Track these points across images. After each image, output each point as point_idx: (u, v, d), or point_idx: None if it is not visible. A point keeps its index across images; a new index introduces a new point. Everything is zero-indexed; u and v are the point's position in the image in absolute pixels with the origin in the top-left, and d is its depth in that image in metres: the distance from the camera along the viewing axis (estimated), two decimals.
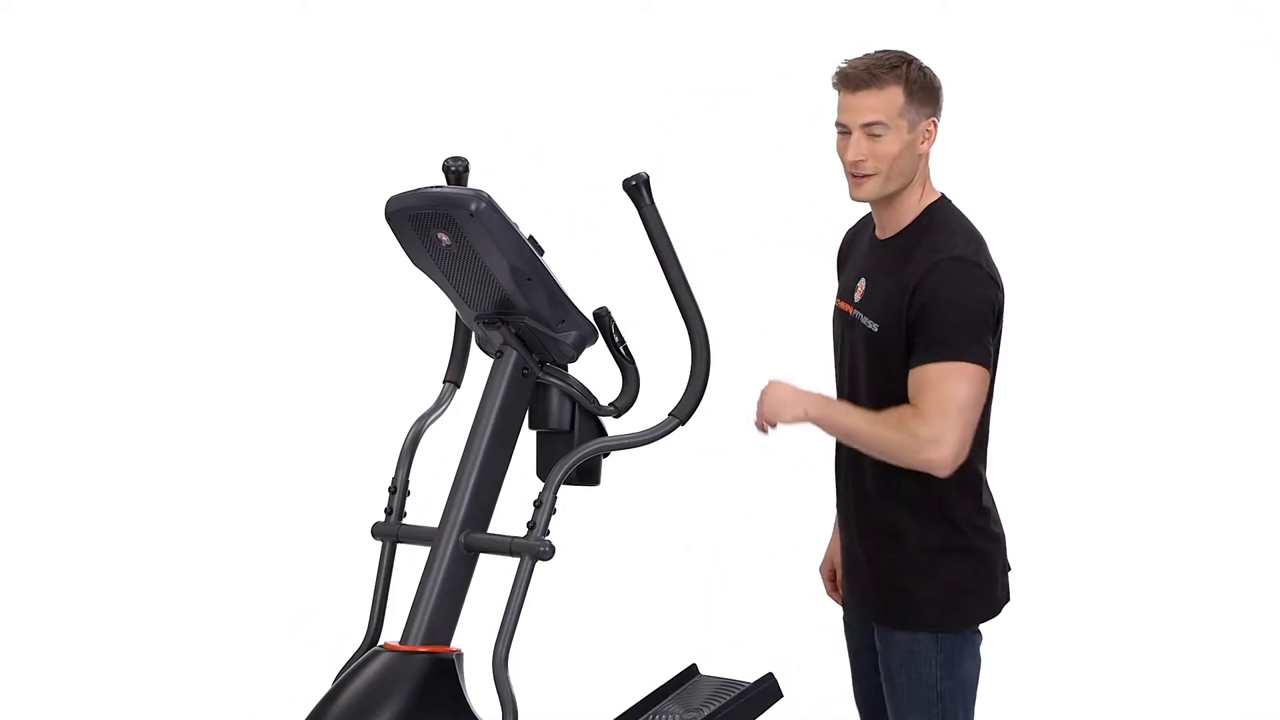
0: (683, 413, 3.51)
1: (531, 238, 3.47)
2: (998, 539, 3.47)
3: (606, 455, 3.53)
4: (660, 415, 3.52)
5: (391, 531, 3.59)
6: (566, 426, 3.53)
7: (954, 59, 6.22)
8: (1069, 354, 6.23)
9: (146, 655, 5.60)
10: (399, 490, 3.61)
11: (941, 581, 3.41)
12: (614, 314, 3.56)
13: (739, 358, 4.16)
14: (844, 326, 3.51)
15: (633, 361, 3.58)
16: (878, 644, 3.51)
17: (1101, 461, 6.18)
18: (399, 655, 3.37)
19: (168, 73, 6.37)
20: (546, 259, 3.48)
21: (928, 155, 3.39)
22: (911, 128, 3.33)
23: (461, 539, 3.44)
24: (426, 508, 3.60)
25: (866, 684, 3.65)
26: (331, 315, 6.23)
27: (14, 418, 6.21)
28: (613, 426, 3.58)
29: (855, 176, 3.35)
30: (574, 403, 3.53)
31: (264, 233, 6.32)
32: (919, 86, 3.32)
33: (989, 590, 3.46)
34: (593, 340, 3.54)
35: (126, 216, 6.33)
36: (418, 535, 3.55)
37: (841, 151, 3.37)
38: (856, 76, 3.31)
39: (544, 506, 3.40)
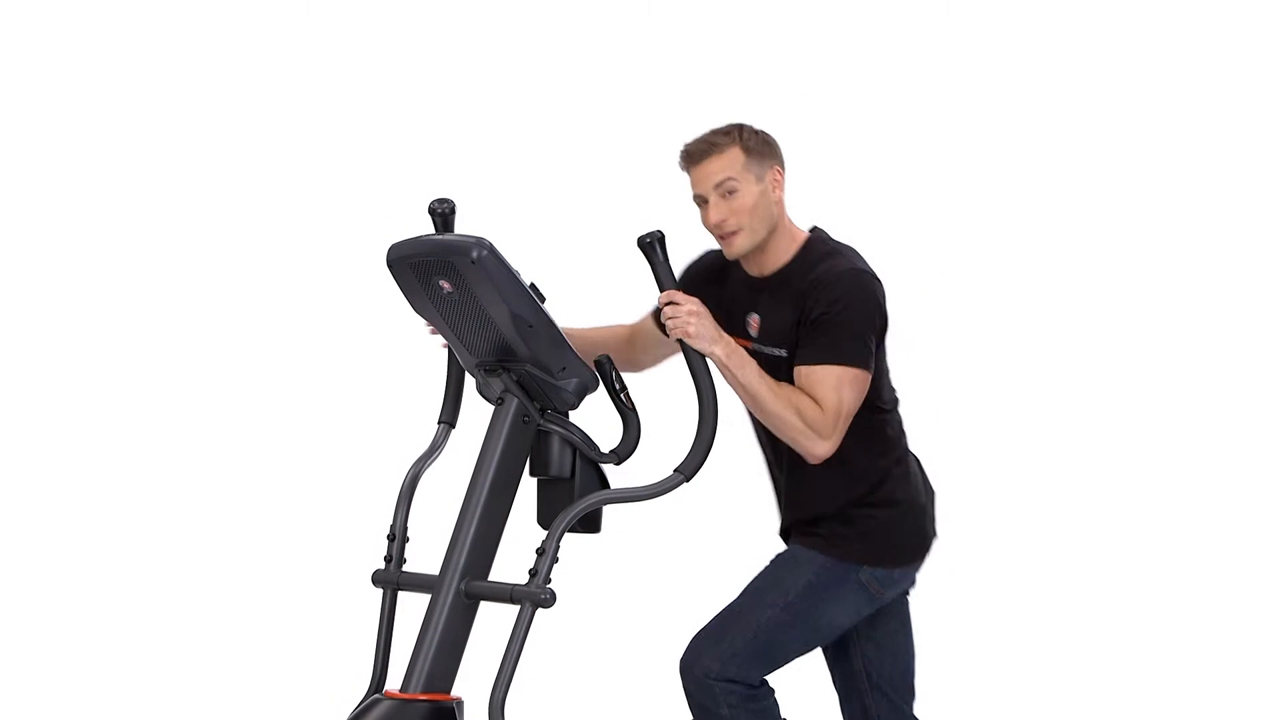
0: (688, 470, 3.52)
1: (533, 285, 3.49)
2: (900, 503, 3.74)
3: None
4: (659, 461, 3.53)
5: (392, 579, 3.60)
6: (567, 474, 3.54)
7: (955, 59, 6.33)
8: (1068, 354, 6.26)
9: (148, 699, 5.57)
10: (398, 537, 3.62)
11: (861, 529, 3.69)
12: (615, 362, 3.57)
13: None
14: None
15: (634, 409, 3.59)
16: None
17: (1100, 461, 6.20)
18: (399, 704, 3.38)
19: (168, 73, 6.39)
20: (548, 306, 3.50)
21: (783, 201, 3.65)
22: (759, 180, 3.59)
23: (462, 587, 3.45)
24: (426, 549, 3.61)
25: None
26: (327, 355, 6.23)
27: (13, 419, 6.19)
28: (613, 474, 3.59)
29: (724, 238, 3.60)
30: (575, 450, 3.54)
31: (260, 258, 6.33)
32: (755, 143, 3.61)
33: (895, 539, 3.74)
34: (594, 388, 3.55)
35: (126, 218, 6.34)
36: (418, 582, 3.56)
37: (705, 221, 3.61)
38: (698, 150, 3.60)
39: (547, 554, 3.41)
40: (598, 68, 6.37)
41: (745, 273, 3.71)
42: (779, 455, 3.71)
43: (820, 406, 3.53)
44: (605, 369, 3.55)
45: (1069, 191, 6.33)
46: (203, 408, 6.22)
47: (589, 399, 3.56)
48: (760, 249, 3.63)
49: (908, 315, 6.03)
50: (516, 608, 3.40)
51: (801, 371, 3.56)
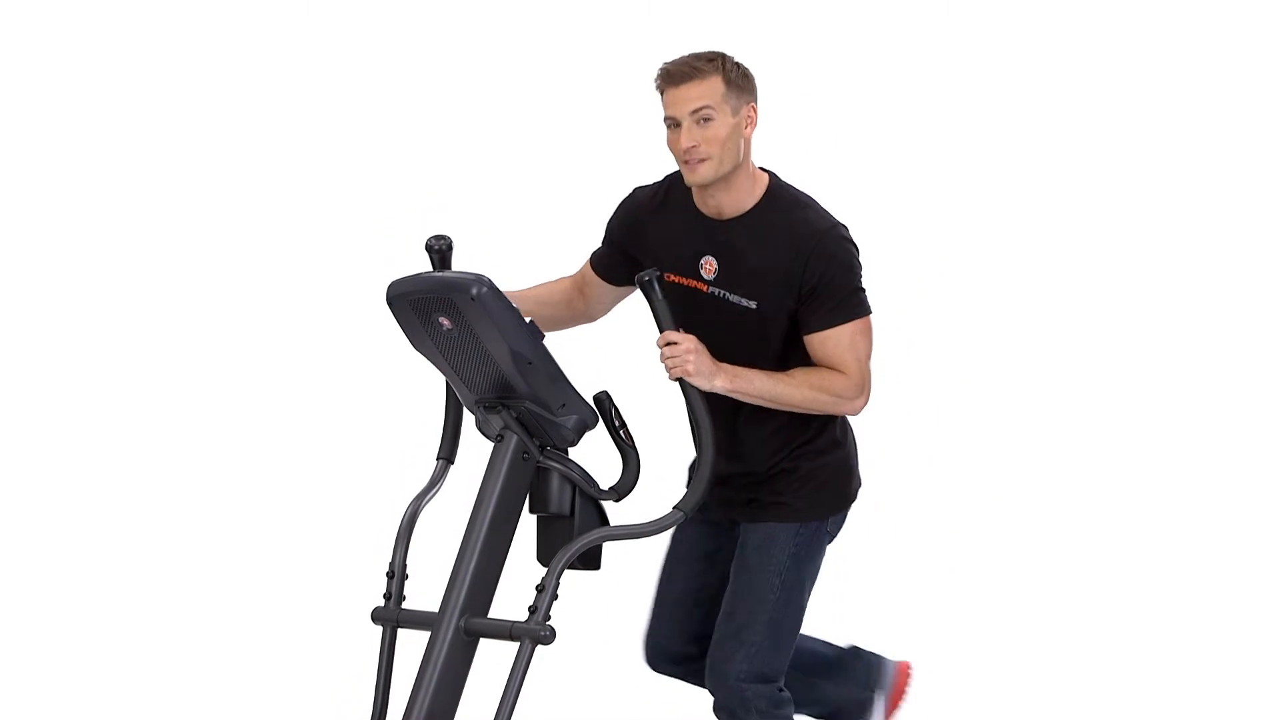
0: (687, 506, 3.53)
1: (532, 322, 3.50)
2: (843, 444, 3.79)
3: None
4: (660, 498, 3.54)
5: (391, 616, 3.59)
6: (567, 511, 3.54)
7: (955, 59, 6.34)
8: (1068, 353, 6.26)
9: None
10: (397, 574, 3.62)
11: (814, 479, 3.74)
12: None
13: None
14: (697, 302, 3.64)
15: (633, 446, 3.59)
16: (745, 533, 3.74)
17: (1100, 460, 6.23)
18: None
19: (168, 73, 6.42)
20: (547, 342, 3.50)
21: (750, 140, 3.62)
22: (734, 113, 3.56)
23: (462, 624, 3.44)
24: (426, 586, 3.60)
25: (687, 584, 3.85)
26: (326, 391, 6.24)
27: (12, 421, 6.19)
28: (613, 510, 3.58)
29: (689, 163, 3.56)
30: (574, 487, 3.54)
31: (260, 278, 6.36)
32: (736, 75, 3.58)
33: (845, 481, 3.81)
34: (593, 424, 3.55)
35: (125, 219, 6.36)
36: (418, 620, 3.56)
37: (673, 144, 3.58)
38: (679, 72, 3.56)
39: (546, 592, 3.41)
40: (598, 68, 6.39)
41: (699, 212, 3.67)
42: (719, 406, 3.65)
43: (842, 370, 3.59)
44: (605, 406, 3.56)
45: (1068, 191, 6.36)
46: (204, 441, 6.22)
47: (588, 435, 3.56)
48: (722, 187, 3.60)
49: (907, 314, 6.09)
50: (516, 645, 3.39)
51: (815, 339, 3.59)
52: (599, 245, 3.86)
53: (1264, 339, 6.29)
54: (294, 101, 6.47)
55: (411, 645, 3.52)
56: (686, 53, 3.60)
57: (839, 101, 6.36)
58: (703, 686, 3.80)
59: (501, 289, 3.46)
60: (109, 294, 6.36)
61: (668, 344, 3.53)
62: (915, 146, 6.39)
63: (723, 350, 3.59)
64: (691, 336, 3.53)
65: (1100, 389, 6.31)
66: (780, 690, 3.72)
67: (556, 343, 3.52)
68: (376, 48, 6.49)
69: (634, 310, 3.73)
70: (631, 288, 3.82)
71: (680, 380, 3.54)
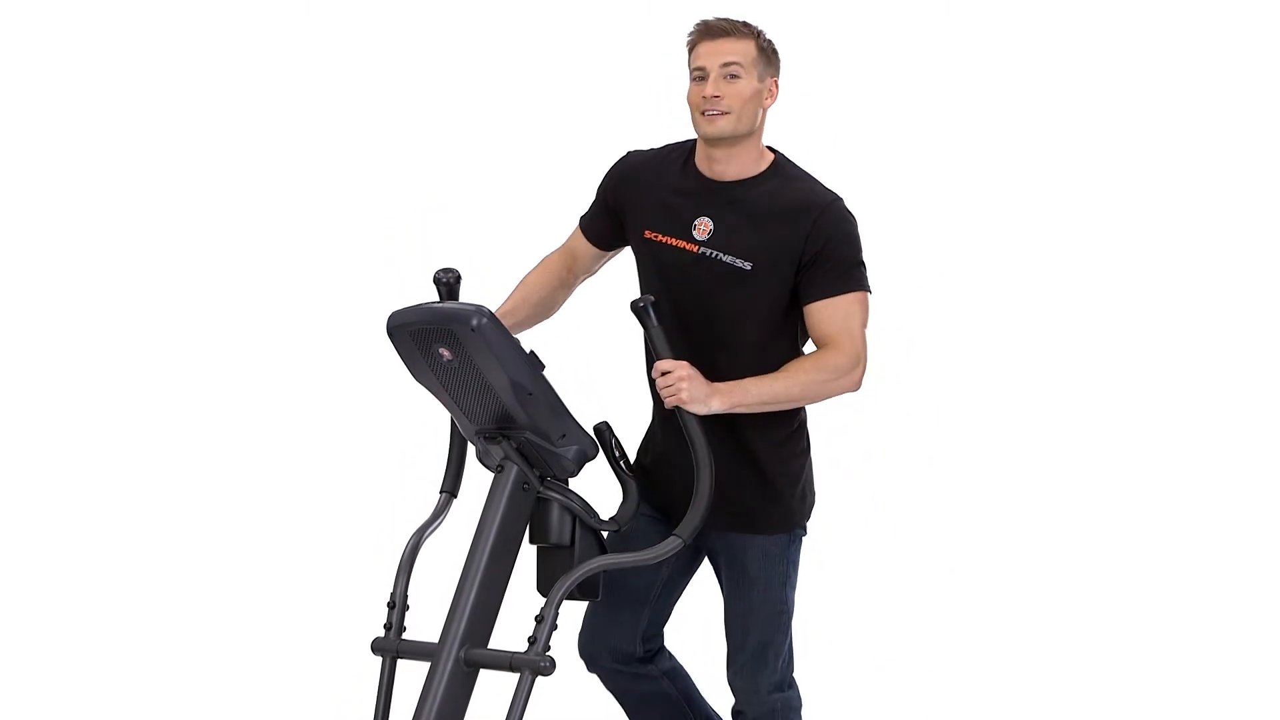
0: (685, 532, 3.53)
1: (532, 352, 3.49)
2: (808, 449, 3.81)
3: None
4: None
5: (391, 647, 3.59)
6: (567, 541, 3.55)
7: (955, 59, 6.33)
8: (1068, 352, 6.27)
9: None
10: (398, 605, 3.62)
11: (790, 487, 3.75)
12: (614, 429, 3.58)
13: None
14: (684, 263, 3.66)
15: (633, 476, 3.60)
16: (725, 547, 3.75)
17: (1100, 459, 6.23)
18: None
19: (168, 72, 6.40)
20: (547, 373, 3.50)
21: (767, 113, 3.70)
22: (760, 79, 3.64)
23: (461, 654, 3.44)
24: (426, 617, 3.60)
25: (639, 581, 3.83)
26: (331, 422, 6.23)
27: (12, 423, 6.19)
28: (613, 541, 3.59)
29: (708, 114, 3.62)
30: (574, 517, 3.55)
31: (261, 298, 6.34)
32: (768, 46, 3.68)
33: (811, 487, 3.83)
34: (593, 455, 3.56)
35: (125, 221, 6.34)
36: (418, 651, 3.56)
37: (695, 95, 3.65)
38: (718, 26, 3.66)
39: (545, 622, 3.41)
40: (598, 68, 6.38)
41: (699, 174, 3.71)
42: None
43: (835, 345, 3.59)
44: (605, 437, 3.56)
45: (1068, 191, 6.35)
46: (207, 472, 6.21)
47: (588, 466, 3.56)
48: (730, 149, 3.65)
49: (907, 313, 6.10)
50: (516, 676, 3.40)
51: (814, 308, 3.61)
52: (587, 210, 3.89)
53: (1263, 336, 6.28)
54: (294, 101, 6.46)
55: (412, 676, 3.52)
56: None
57: (839, 101, 6.34)
58: (624, 690, 3.89)
59: (495, 306, 3.47)
60: (105, 295, 6.34)
61: (662, 374, 3.53)
62: (915, 146, 6.38)
63: (708, 313, 3.63)
64: (684, 363, 3.53)
65: (1099, 388, 6.31)
66: (798, 695, 3.85)
67: (556, 374, 3.52)
68: (376, 48, 6.47)
69: (635, 342, 3.72)
70: (619, 249, 3.86)
71: (678, 409, 3.54)
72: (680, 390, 3.50)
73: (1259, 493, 6.17)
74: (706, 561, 3.88)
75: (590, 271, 3.92)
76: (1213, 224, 6.33)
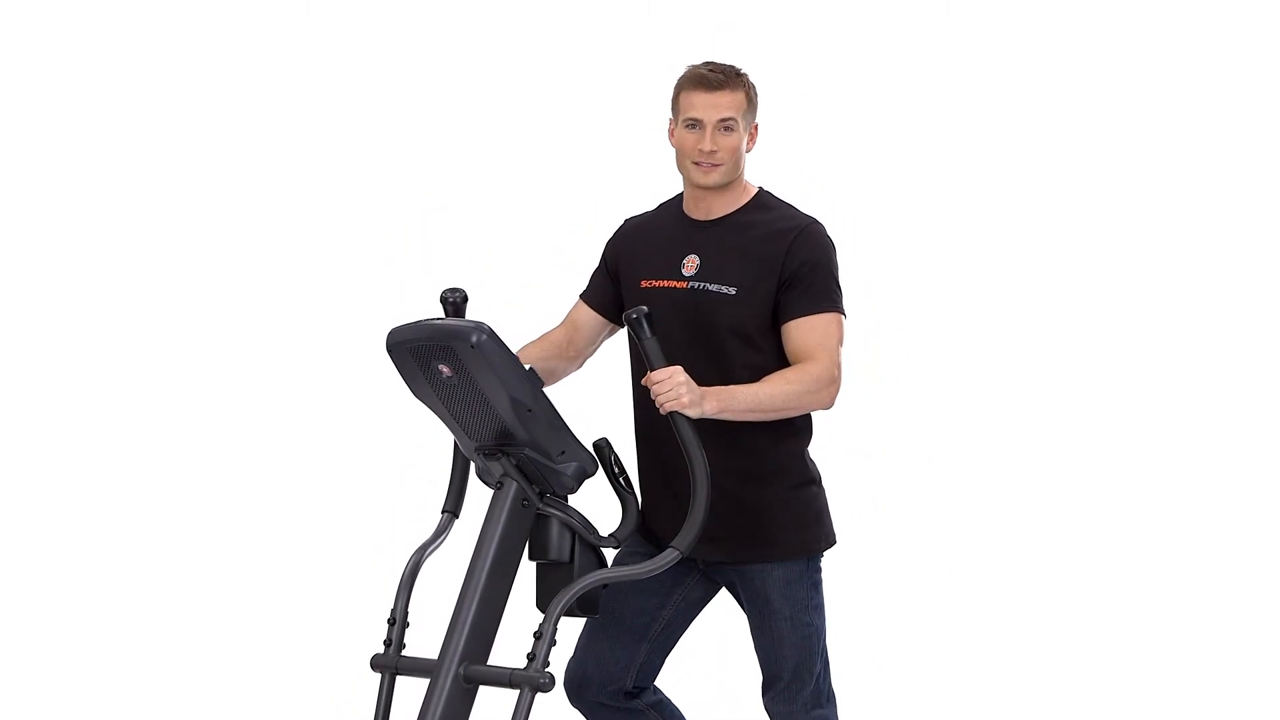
0: (683, 545, 3.53)
1: (532, 369, 3.49)
2: (818, 479, 3.85)
3: (605, 586, 3.55)
4: None
5: (391, 663, 3.59)
6: (566, 558, 3.54)
7: (955, 59, 6.33)
8: (1067, 352, 6.28)
9: None
10: (398, 622, 3.62)
11: (801, 512, 3.79)
12: (613, 445, 3.58)
13: None
14: (674, 299, 3.74)
15: (632, 492, 3.61)
16: (743, 580, 3.78)
17: (1099, 459, 6.25)
18: None
19: (168, 72, 6.41)
20: (546, 390, 3.50)
21: (746, 155, 3.80)
22: (746, 128, 3.75)
23: (461, 671, 3.44)
24: (426, 634, 3.60)
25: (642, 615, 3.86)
26: (331, 440, 6.24)
27: (11, 425, 6.19)
28: (612, 557, 3.59)
29: (703, 165, 3.72)
30: (574, 534, 3.55)
31: (262, 309, 6.36)
32: (753, 94, 3.77)
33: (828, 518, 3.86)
34: (593, 471, 3.56)
35: (124, 221, 6.36)
36: (417, 667, 3.56)
37: (688, 144, 3.73)
38: (715, 79, 3.72)
39: (544, 638, 3.41)
40: (598, 68, 6.38)
41: (686, 217, 3.81)
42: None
43: (812, 358, 3.65)
44: (604, 453, 3.56)
45: (1067, 190, 6.36)
46: (206, 486, 6.22)
47: (588, 482, 3.56)
48: (719, 191, 3.76)
49: (906, 314, 6.09)
50: (515, 692, 3.40)
51: (791, 326, 3.68)
52: (587, 283, 3.94)
53: (1262, 336, 6.29)
54: (294, 101, 6.46)
55: (411, 693, 3.52)
56: (700, 60, 3.75)
57: (839, 101, 6.35)
58: None
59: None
60: (102, 297, 6.35)
61: (657, 382, 3.53)
62: (914, 146, 6.38)
63: (699, 340, 3.68)
64: (677, 367, 3.52)
65: (1099, 388, 6.32)
66: (831, 701, 3.88)
67: (555, 390, 3.53)
68: (376, 48, 6.48)
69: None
70: (616, 327, 3.90)
71: (672, 414, 3.53)
72: (680, 395, 3.51)
73: (1259, 493, 6.18)
74: (708, 604, 3.92)
75: (594, 344, 3.94)
76: (1212, 224, 6.34)
